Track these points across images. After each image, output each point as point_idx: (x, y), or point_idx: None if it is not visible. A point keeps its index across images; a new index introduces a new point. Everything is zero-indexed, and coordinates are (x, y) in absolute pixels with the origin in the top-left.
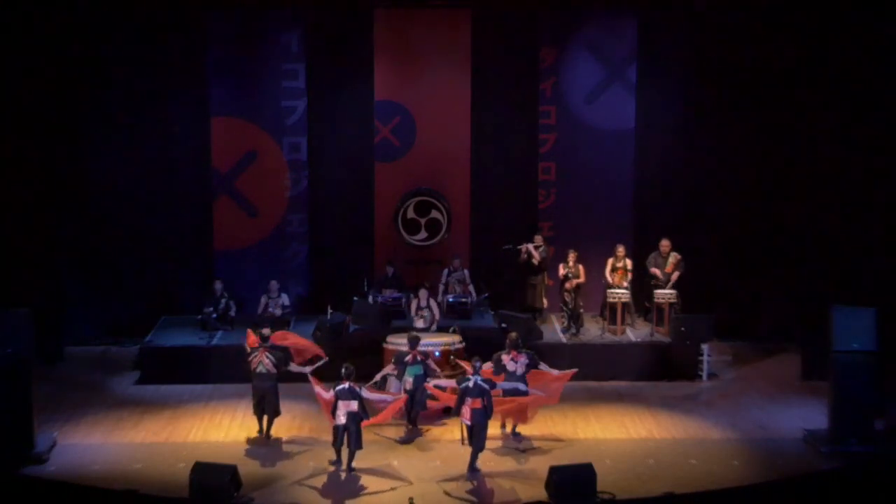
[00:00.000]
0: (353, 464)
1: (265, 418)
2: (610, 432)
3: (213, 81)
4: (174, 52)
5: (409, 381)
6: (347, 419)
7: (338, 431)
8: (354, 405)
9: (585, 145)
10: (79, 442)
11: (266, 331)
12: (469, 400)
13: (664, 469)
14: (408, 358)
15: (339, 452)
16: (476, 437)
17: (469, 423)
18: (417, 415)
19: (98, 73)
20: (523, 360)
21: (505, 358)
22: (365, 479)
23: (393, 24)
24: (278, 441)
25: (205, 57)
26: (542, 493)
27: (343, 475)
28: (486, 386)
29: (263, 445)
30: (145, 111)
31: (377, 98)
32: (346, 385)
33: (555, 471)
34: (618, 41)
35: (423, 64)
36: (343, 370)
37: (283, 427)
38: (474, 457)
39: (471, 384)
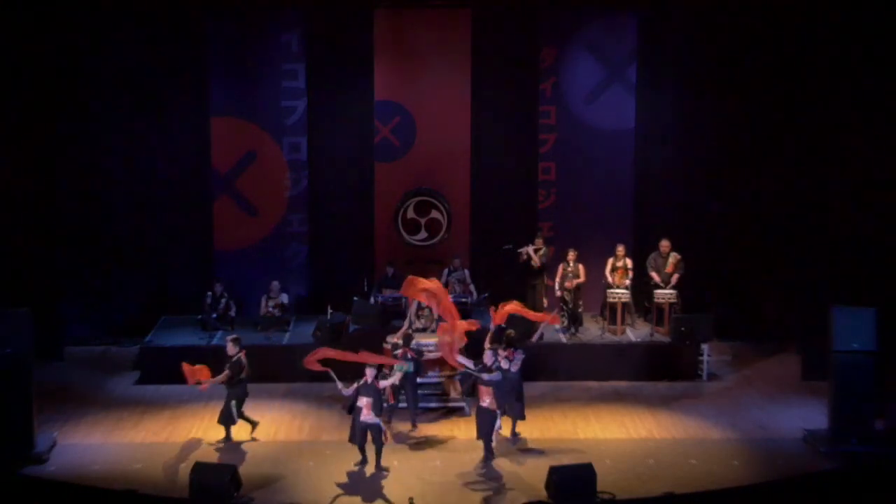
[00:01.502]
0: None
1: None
2: (610, 432)
3: (213, 81)
4: (174, 52)
5: (397, 375)
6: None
7: (356, 429)
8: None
9: (585, 145)
10: (79, 442)
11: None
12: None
13: (664, 469)
14: (398, 352)
15: (363, 451)
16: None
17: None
18: (416, 415)
19: (98, 73)
20: (519, 356)
21: (500, 354)
22: (365, 479)
23: (393, 24)
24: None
25: (205, 57)
26: (542, 493)
27: (367, 473)
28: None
29: (263, 445)
30: (145, 111)
31: (377, 98)
32: (369, 380)
33: (555, 471)
34: (618, 41)
35: (423, 64)
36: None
37: (283, 427)
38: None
39: (497, 377)
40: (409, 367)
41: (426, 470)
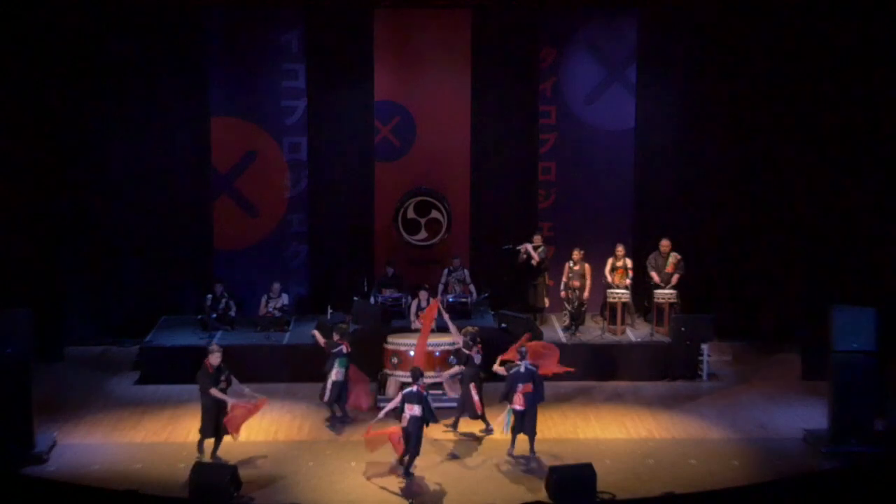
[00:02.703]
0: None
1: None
2: (610, 432)
3: (213, 81)
4: (174, 52)
5: (339, 371)
6: (409, 423)
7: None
8: (418, 410)
9: (585, 145)
10: (79, 442)
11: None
12: (520, 385)
13: (664, 469)
14: (341, 348)
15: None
16: (529, 421)
17: (522, 408)
18: (345, 403)
19: (98, 73)
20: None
21: (472, 352)
22: (365, 480)
23: (393, 24)
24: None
25: (205, 57)
26: (542, 493)
27: (400, 478)
28: (534, 369)
29: (263, 445)
30: (145, 111)
31: (377, 98)
32: (414, 388)
33: (555, 471)
34: (618, 41)
35: (423, 64)
36: (410, 372)
37: (284, 427)
38: (532, 442)
39: (521, 369)
40: (346, 361)
41: (426, 470)
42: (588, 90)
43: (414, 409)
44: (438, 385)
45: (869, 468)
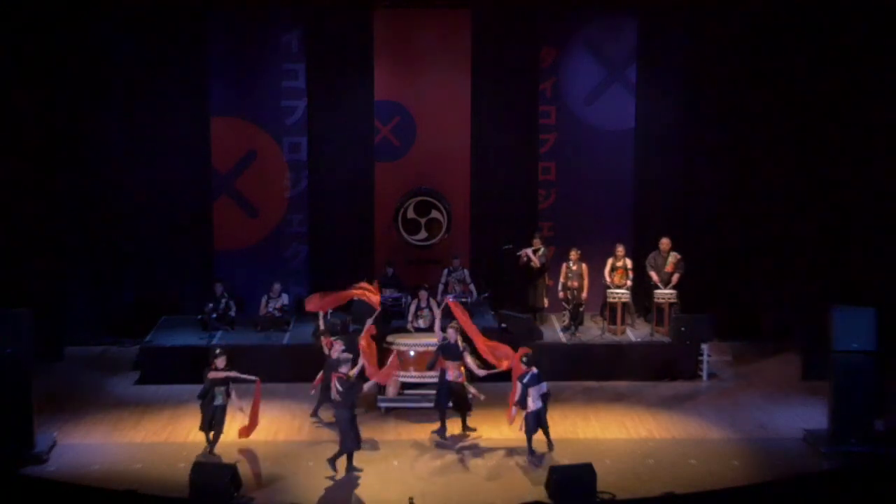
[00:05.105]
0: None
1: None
2: (610, 432)
3: (213, 81)
4: (174, 52)
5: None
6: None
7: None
8: (544, 387)
9: (585, 145)
10: (79, 442)
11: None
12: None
13: (664, 469)
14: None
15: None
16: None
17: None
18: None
19: (98, 73)
20: (339, 347)
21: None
22: (365, 479)
23: (393, 25)
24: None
25: (205, 57)
26: (542, 493)
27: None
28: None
29: (263, 445)
30: (145, 111)
31: (377, 98)
32: (535, 371)
33: (555, 471)
34: (618, 41)
35: (423, 64)
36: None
37: (284, 427)
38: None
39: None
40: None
41: (426, 470)
42: (588, 90)
43: (542, 388)
44: (423, 385)
45: (869, 468)
